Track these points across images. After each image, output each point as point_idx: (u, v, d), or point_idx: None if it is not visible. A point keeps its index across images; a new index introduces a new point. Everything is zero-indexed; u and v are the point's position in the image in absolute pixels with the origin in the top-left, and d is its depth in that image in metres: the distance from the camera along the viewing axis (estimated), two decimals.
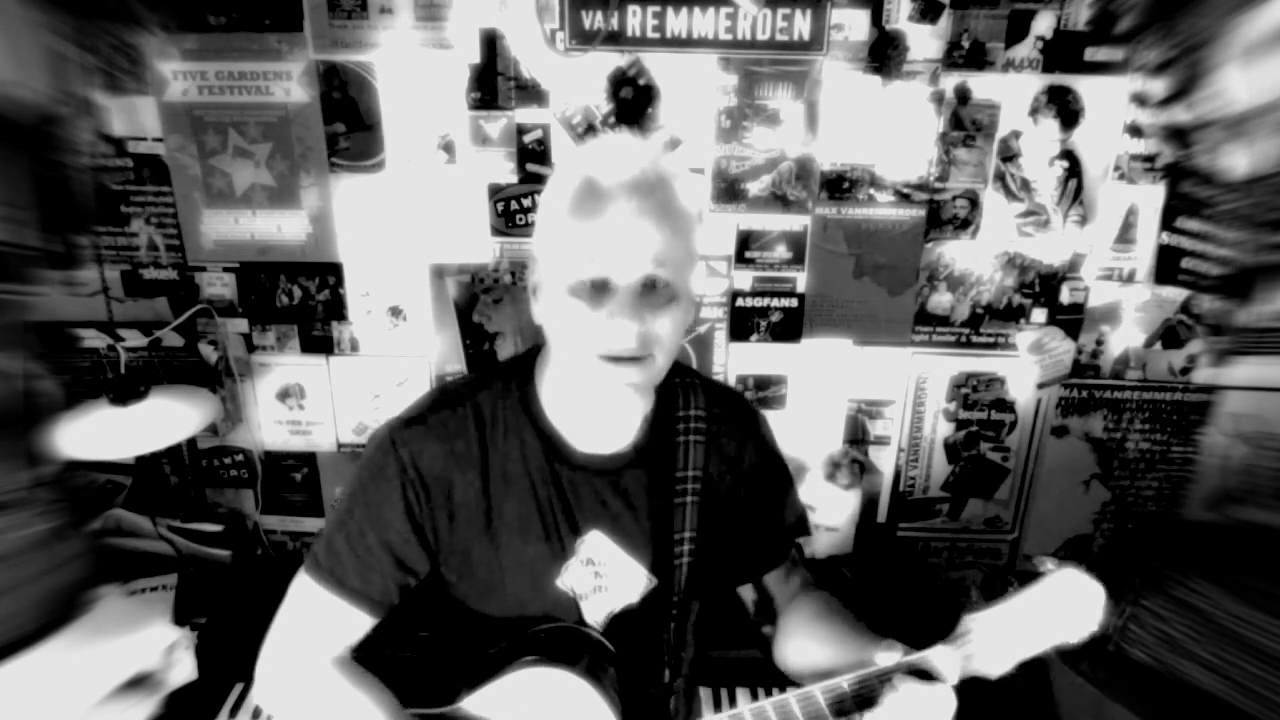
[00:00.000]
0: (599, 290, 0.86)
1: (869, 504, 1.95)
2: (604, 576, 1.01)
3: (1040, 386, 1.84)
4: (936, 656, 0.87)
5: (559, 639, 0.99)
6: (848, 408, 1.87)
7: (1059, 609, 0.87)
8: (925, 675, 0.86)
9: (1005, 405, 1.86)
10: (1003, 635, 0.86)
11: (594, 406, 0.98)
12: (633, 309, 0.85)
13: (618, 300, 0.85)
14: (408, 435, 0.96)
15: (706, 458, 1.03)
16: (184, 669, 1.47)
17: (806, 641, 1.03)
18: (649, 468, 1.02)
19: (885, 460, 1.91)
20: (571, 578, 1.00)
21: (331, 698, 0.95)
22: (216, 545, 1.87)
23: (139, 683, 1.37)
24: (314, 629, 0.97)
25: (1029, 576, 0.90)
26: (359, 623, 0.97)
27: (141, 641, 1.40)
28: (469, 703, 0.97)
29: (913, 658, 0.87)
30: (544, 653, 0.97)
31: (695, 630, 1.12)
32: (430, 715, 0.98)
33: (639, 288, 0.86)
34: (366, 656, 1.02)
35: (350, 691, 0.95)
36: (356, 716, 0.94)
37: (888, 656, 0.87)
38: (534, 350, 1.04)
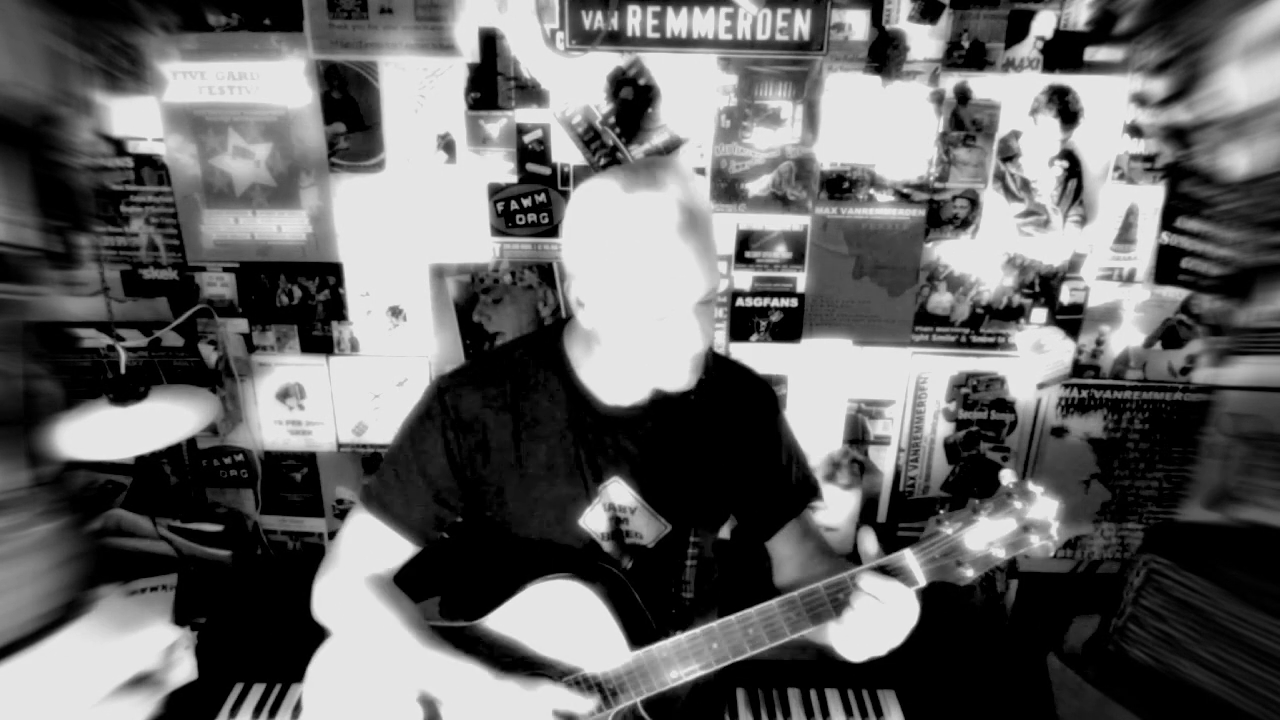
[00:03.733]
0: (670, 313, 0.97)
1: (869, 504, 1.95)
2: (623, 522, 1.13)
3: (1040, 386, 1.85)
4: (905, 559, 0.92)
5: (577, 568, 1.09)
6: (848, 408, 1.87)
7: (1020, 520, 0.92)
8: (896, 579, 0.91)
9: (1005, 405, 1.86)
10: (968, 543, 0.91)
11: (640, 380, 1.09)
12: (703, 324, 0.97)
13: (689, 319, 0.96)
14: (451, 383, 1.11)
15: (715, 417, 1.14)
16: (184, 669, 1.47)
17: (805, 570, 1.15)
18: (664, 422, 1.13)
19: (885, 460, 1.91)
20: (593, 519, 1.11)
21: (367, 613, 1.08)
22: (216, 545, 1.87)
23: (139, 683, 1.37)
24: (362, 553, 1.12)
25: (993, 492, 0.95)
26: (401, 548, 1.12)
27: (141, 641, 1.40)
28: (487, 620, 1.10)
29: (882, 560, 0.93)
30: (558, 573, 1.08)
31: (703, 569, 1.20)
32: (451, 629, 1.11)
33: (702, 304, 0.98)
34: (406, 583, 1.16)
35: (383, 609, 1.08)
36: (387, 630, 1.07)
37: (865, 555, 0.93)
38: (559, 323, 1.17)
